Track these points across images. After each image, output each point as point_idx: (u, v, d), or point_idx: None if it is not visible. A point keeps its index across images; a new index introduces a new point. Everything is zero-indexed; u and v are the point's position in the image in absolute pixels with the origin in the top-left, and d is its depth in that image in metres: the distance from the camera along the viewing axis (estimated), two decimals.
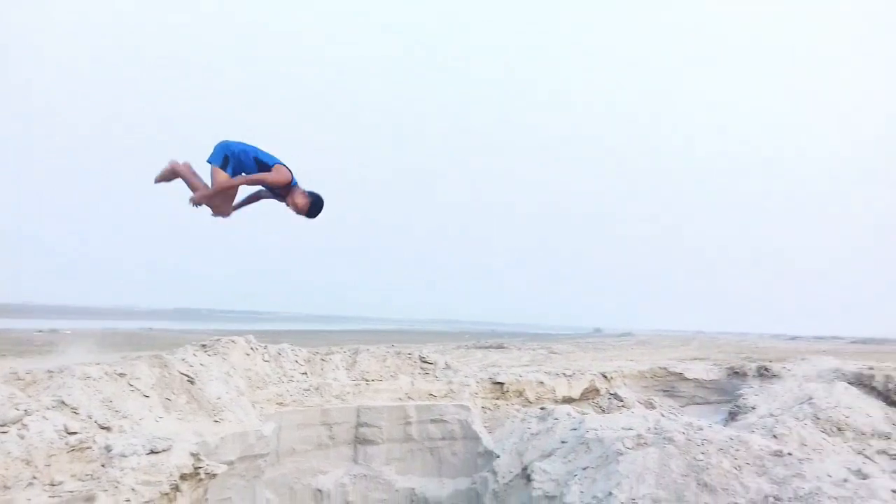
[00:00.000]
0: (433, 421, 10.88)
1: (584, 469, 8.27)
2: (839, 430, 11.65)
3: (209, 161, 5.53)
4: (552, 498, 8.19)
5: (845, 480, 7.55)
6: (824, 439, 10.45)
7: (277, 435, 9.72)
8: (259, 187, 5.52)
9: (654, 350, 27.01)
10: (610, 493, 7.30)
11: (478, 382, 12.07)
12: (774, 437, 9.98)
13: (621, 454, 7.94)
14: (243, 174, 5.38)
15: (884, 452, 10.66)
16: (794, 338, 59.77)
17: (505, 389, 12.39)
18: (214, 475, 6.75)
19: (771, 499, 6.08)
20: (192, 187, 5.57)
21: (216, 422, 8.00)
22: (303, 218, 5.40)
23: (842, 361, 16.63)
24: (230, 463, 7.71)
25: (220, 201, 5.54)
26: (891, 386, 13.86)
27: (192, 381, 8.24)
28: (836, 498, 5.63)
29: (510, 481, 9.54)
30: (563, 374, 13.65)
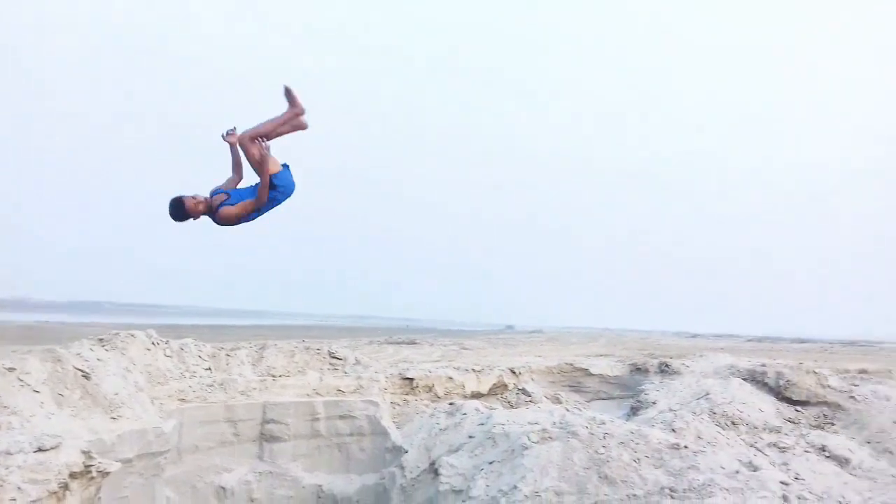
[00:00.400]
0: (341, 417, 10.79)
1: (491, 463, 8.38)
2: (733, 424, 12.20)
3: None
4: (459, 492, 8.26)
5: (737, 472, 7.91)
6: (719, 433, 10.92)
7: (179, 432, 9.44)
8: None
9: (563, 346, 27.62)
10: (515, 487, 7.42)
11: (387, 378, 12.05)
12: (673, 430, 10.36)
13: (526, 448, 8.08)
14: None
15: (774, 445, 11.19)
16: (694, 335, 62.25)
17: (414, 385, 12.41)
18: (107, 473, 6.50)
19: (667, 490, 6.31)
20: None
21: (113, 419, 7.72)
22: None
23: (737, 358, 17.43)
24: (127, 461, 7.45)
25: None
26: (782, 382, 14.61)
27: (87, 377, 7.91)
28: (727, 489, 5.89)
29: (418, 476, 9.57)
30: (473, 369, 13.78)
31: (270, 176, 5.06)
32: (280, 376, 10.93)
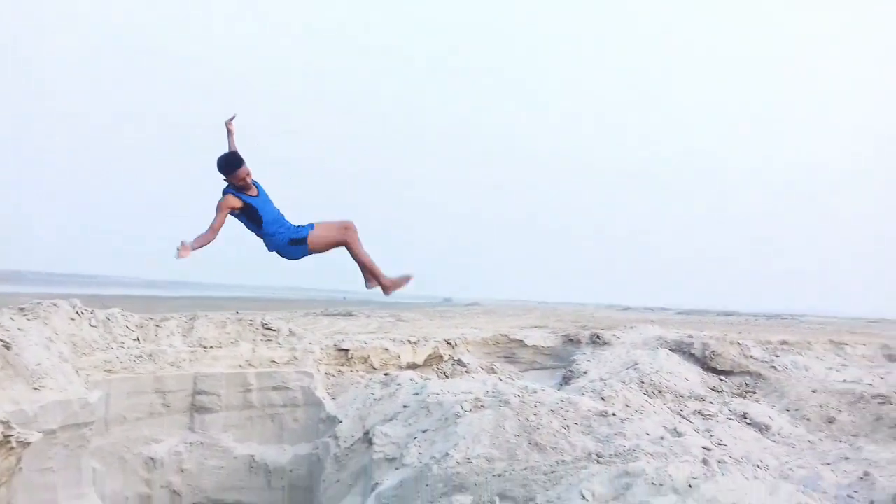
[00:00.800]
0: (275, 388, 10.70)
1: (424, 432, 8.44)
2: (660, 392, 12.59)
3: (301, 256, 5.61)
4: (392, 460, 8.30)
5: (662, 438, 8.17)
6: (646, 401, 11.28)
7: (105, 403, 9.22)
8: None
9: (499, 319, 27.89)
10: (447, 454, 7.49)
11: (322, 349, 11.98)
12: (602, 399, 10.63)
13: (459, 417, 8.16)
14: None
15: (698, 413, 11.60)
16: (626, 308, 63.67)
17: (350, 356, 12.38)
18: (28, 444, 6.30)
19: (594, 455, 6.46)
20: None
21: (35, 389, 7.45)
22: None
23: (666, 330, 17.94)
24: (51, 432, 7.23)
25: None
26: (707, 353, 15.12)
27: (7, 347, 7.61)
28: (651, 454, 6.07)
29: (352, 445, 9.58)
30: (409, 341, 13.82)
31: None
32: (211, 347, 10.74)
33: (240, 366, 10.65)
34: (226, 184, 5.43)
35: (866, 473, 8.01)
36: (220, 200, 5.35)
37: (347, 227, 5.65)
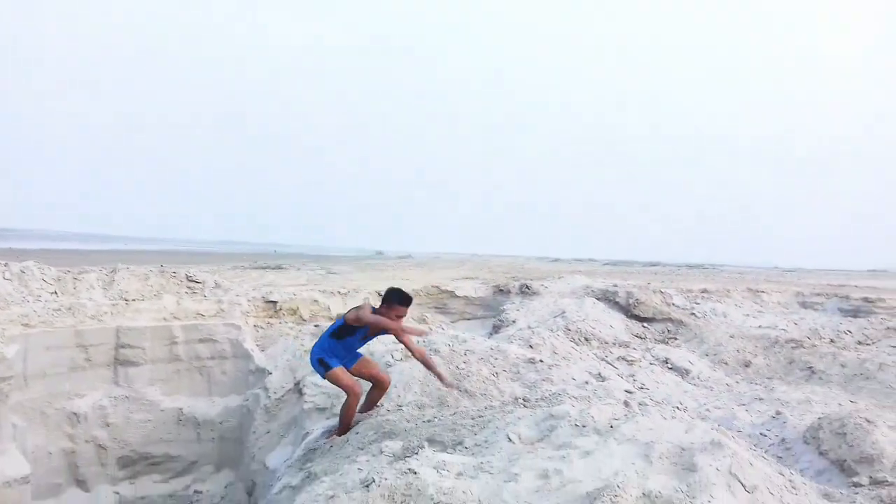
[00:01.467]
0: (201, 341, 10.52)
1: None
2: (586, 339, 12.91)
3: (323, 376, 6.30)
4: (323, 409, 8.31)
5: (586, 383, 8.41)
6: (573, 348, 11.52)
7: (23, 358, 8.90)
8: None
9: (430, 271, 27.95)
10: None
11: (249, 301, 11.79)
12: (530, 346, 10.81)
13: (390, 366, 8.19)
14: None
15: (622, 359, 11.93)
16: (555, 260, 64.75)
17: (278, 308, 12.24)
18: None
19: (521, 400, 6.60)
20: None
21: None
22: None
23: (592, 280, 18.35)
24: None
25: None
26: (631, 301, 15.54)
27: None
28: (576, 397, 6.23)
29: (282, 396, 9.54)
30: (339, 292, 13.75)
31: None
32: (133, 300, 10.44)
33: (164, 318, 10.40)
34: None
35: (778, 413, 8.42)
36: (360, 312, 5.96)
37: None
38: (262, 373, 10.18)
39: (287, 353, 10.27)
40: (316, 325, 11.33)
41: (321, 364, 6.18)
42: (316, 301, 12.91)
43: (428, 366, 6.34)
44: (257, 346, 10.96)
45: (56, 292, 10.00)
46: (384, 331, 6.11)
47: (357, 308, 6.10)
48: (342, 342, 6.17)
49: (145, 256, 39.90)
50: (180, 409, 10.30)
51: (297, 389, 9.09)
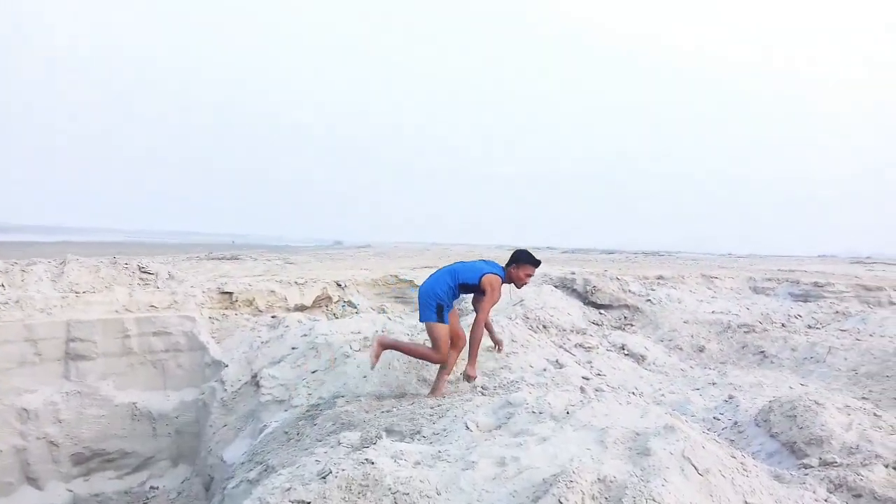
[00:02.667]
0: (155, 333, 10.32)
1: (314, 372, 8.39)
2: (544, 327, 13.01)
3: (423, 320, 6.10)
4: (281, 402, 8.22)
5: (544, 370, 8.46)
6: (531, 336, 11.57)
7: None
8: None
9: (390, 260, 27.89)
10: (337, 393, 7.50)
11: (204, 293, 11.61)
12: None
13: (348, 356, 8.16)
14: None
15: (580, 346, 12.06)
16: (515, 248, 65.07)
17: (234, 299, 12.08)
18: None
19: (479, 388, 6.62)
20: (418, 354, 6.29)
21: None
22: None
23: (550, 267, 18.50)
24: None
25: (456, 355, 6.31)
26: (589, 288, 15.71)
27: None
28: (533, 384, 6.27)
29: (239, 389, 9.42)
30: (296, 282, 13.62)
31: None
32: (84, 293, 10.19)
33: (116, 311, 10.18)
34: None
35: (730, 397, 8.60)
36: (494, 281, 6.13)
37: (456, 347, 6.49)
38: (219, 365, 10.03)
39: (244, 344, 10.14)
40: (273, 316, 11.20)
41: (438, 311, 6.12)
42: (273, 292, 12.78)
43: (473, 350, 6.31)
44: (213, 338, 10.81)
45: (3, 285, 9.71)
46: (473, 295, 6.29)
47: (495, 275, 6.22)
48: (456, 294, 6.27)
49: (97, 248, 39.04)
50: (134, 403, 10.11)
51: (255, 382, 8.99)
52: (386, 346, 6.54)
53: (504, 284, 6.30)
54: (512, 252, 6.52)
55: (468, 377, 6.39)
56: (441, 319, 6.09)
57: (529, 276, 6.34)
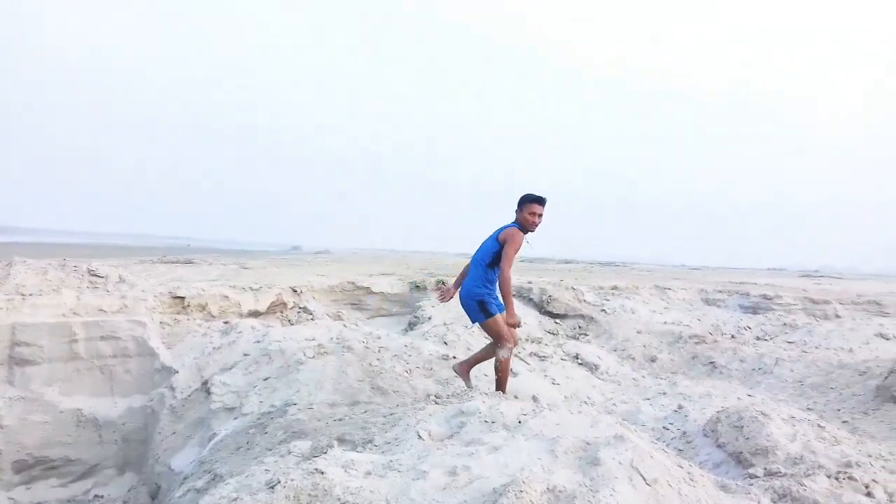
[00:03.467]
0: (103, 338, 10.08)
1: (266, 379, 8.29)
2: None
3: (475, 322, 5.93)
4: (231, 409, 8.10)
5: None
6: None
7: None
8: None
9: (348, 266, 27.68)
10: (289, 401, 7.42)
11: (156, 297, 11.39)
12: (445, 343, 10.88)
13: (302, 363, 8.08)
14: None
15: (535, 354, 12.15)
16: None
17: (186, 304, 11.87)
18: None
19: (433, 397, 6.61)
20: (490, 355, 6.05)
21: None
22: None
23: None
24: None
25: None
26: (544, 297, 15.83)
27: None
28: (487, 394, 6.27)
29: (189, 396, 9.26)
30: (251, 288, 13.45)
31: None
32: (31, 295, 9.93)
33: (63, 315, 9.93)
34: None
35: (680, 406, 8.73)
36: (510, 230, 5.73)
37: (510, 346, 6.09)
38: (168, 371, 9.85)
39: (195, 350, 9.98)
40: (226, 322, 11.04)
41: (481, 308, 5.80)
42: (226, 297, 12.60)
43: (507, 301, 5.84)
44: (163, 343, 10.61)
45: None
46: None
47: (510, 227, 5.78)
48: (494, 272, 5.80)
49: (47, 250, 38.03)
50: (80, 409, 9.85)
51: (205, 389, 8.84)
52: (468, 367, 6.39)
53: (522, 234, 5.86)
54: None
55: (513, 325, 5.96)
56: (489, 314, 5.90)
57: (536, 214, 5.72)
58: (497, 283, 5.82)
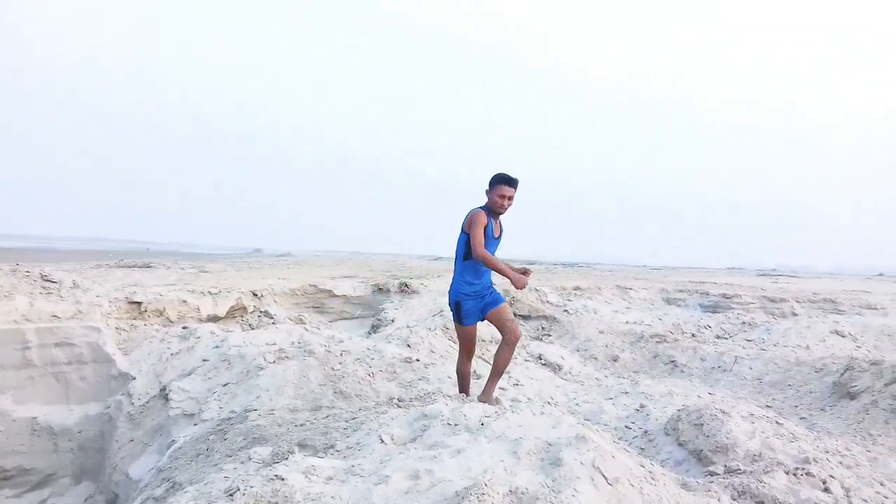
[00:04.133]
0: (57, 344, 9.83)
1: (225, 385, 8.17)
2: None
3: (468, 324, 5.77)
4: (190, 416, 7.96)
5: None
6: (451, 347, 11.62)
7: None
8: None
9: (310, 269, 27.48)
10: (249, 406, 7.31)
11: (111, 302, 11.17)
12: (408, 346, 10.82)
13: (262, 368, 7.98)
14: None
15: None
16: (437, 258, 65.35)
17: (143, 309, 11.65)
18: None
19: (396, 400, 6.57)
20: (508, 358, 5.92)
21: None
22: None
23: None
24: None
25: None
26: (507, 298, 15.87)
27: None
28: (450, 396, 6.25)
29: (147, 403, 9.08)
30: (210, 292, 13.26)
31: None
32: None
33: (15, 321, 9.66)
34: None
35: (642, 406, 8.81)
36: (472, 214, 5.38)
37: (517, 338, 5.93)
38: (125, 378, 9.65)
39: (152, 356, 9.79)
40: (184, 327, 10.85)
41: (457, 311, 5.64)
42: (185, 301, 12.40)
43: (499, 270, 5.48)
44: (119, 349, 10.39)
45: None
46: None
47: (474, 212, 5.39)
48: (473, 263, 5.51)
49: None
50: (34, 418, 9.60)
51: (163, 395, 8.68)
52: (494, 383, 6.09)
53: (484, 214, 5.41)
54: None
55: (524, 277, 5.68)
56: (461, 321, 5.69)
57: (506, 196, 5.34)
58: (480, 271, 5.69)
